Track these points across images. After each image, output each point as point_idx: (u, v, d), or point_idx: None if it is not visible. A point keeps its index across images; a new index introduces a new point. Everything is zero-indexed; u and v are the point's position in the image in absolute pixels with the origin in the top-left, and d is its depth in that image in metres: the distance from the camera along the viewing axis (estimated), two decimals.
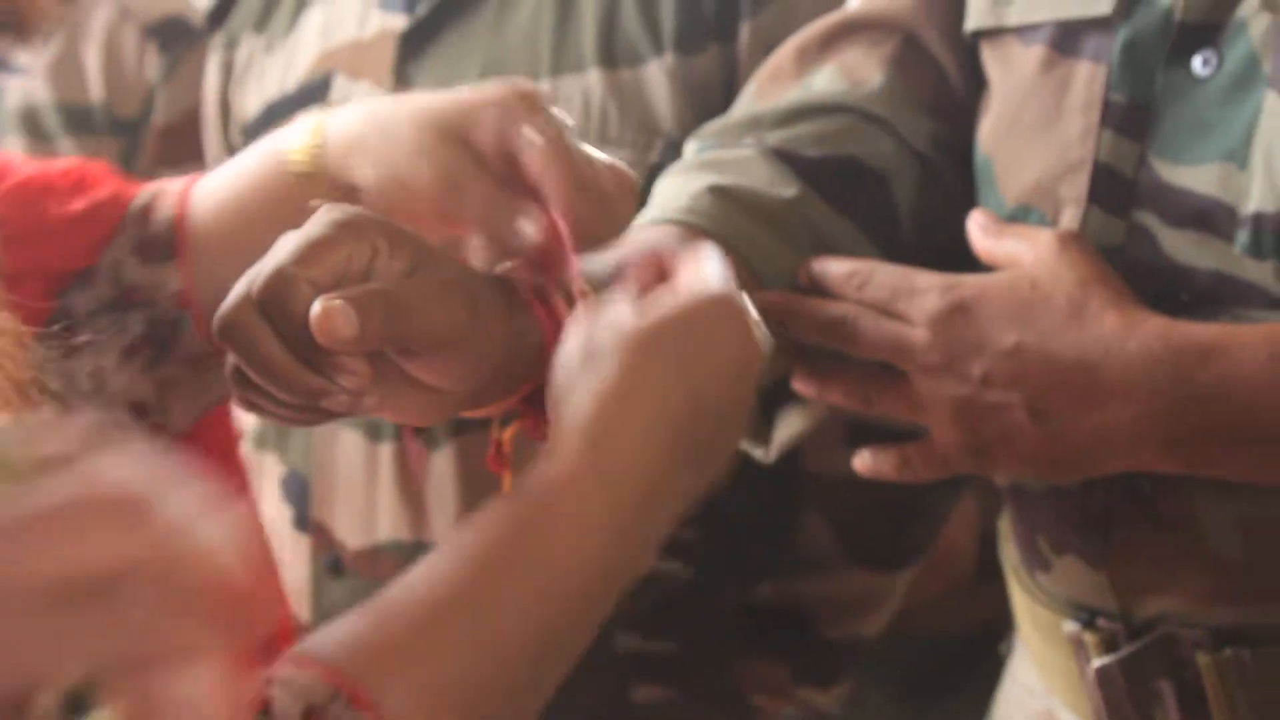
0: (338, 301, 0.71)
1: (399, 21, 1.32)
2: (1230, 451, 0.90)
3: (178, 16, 1.75)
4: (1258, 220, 0.88)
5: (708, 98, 1.27)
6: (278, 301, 0.72)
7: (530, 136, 0.78)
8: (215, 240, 0.88)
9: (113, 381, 0.91)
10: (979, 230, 1.00)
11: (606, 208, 0.81)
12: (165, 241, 0.90)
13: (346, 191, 0.83)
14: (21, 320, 0.78)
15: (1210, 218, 0.92)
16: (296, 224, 0.77)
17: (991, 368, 0.93)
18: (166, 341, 0.87)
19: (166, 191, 0.92)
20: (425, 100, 0.84)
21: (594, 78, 1.28)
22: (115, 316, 0.91)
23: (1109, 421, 0.91)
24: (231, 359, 0.75)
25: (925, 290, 0.95)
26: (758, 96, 1.10)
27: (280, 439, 1.33)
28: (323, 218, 0.75)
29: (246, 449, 1.31)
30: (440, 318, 0.75)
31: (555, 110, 0.82)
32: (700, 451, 0.71)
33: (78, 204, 0.92)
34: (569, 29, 1.29)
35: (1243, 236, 0.89)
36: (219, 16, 1.45)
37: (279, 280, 0.72)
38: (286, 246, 0.74)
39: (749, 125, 1.06)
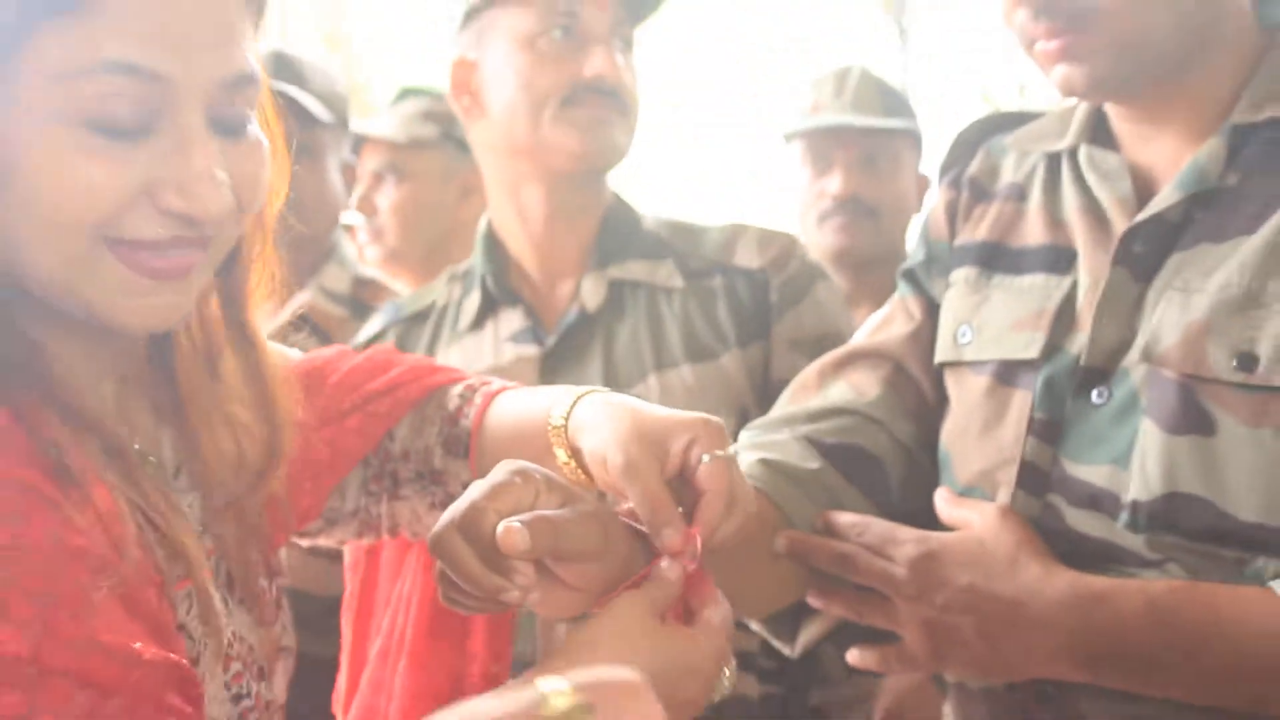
0: (516, 524, 0.79)
1: (532, 350, 1.52)
2: (1116, 668, 0.96)
3: None
4: (1134, 506, 0.97)
5: (754, 378, 1.49)
6: (473, 525, 0.80)
7: (705, 462, 0.84)
8: (492, 451, 0.97)
9: (423, 523, 1.03)
10: (942, 502, 1.09)
11: (735, 516, 0.86)
12: (463, 444, 1.00)
13: (574, 449, 0.91)
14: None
15: (1102, 502, 1.00)
16: (539, 458, 0.87)
17: (951, 599, 1.00)
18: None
19: (471, 401, 1.02)
20: (647, 410, 0.89)
21: (687, 371, 1.48)
22: (425, 485, 1.03)
23: (1033, 643, 0.97)
24: (439, 565, 0.83)
25: (905, 541, 1.03)
26: (790, 401, 1.20)
27: None
28: (503, 468, 0.83)
29: None
30: (583, 537, 0.82)
31: (729, 442, 0.87)
32: (669, 694, 0.74)
33: (380, 382, 1.03)
34: (662, 338, 1.49)
35: (1124, 516, 0.97)
36: None
37: (474, 511, 0.81)
38: (479, 488, 0.82)
39: (786, 421, 1.16)
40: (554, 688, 0.52)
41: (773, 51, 9.58)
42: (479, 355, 1.56)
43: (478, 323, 1.58)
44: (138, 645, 0.70)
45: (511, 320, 1.56)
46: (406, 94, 2.37)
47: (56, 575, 0.68)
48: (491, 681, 1.02)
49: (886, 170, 2.14)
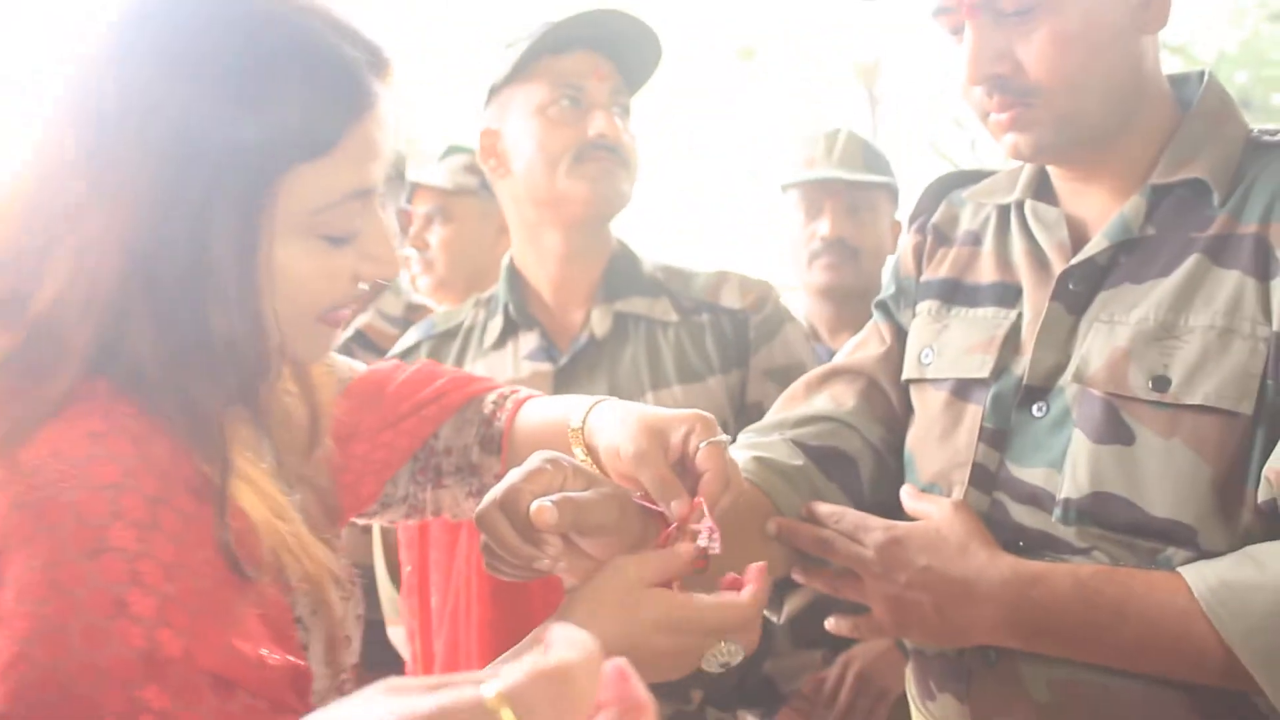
0: (547, 502, 0.85)
1: (546, 367, 1.63)
2: (1049, 637, 1.01)
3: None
4: (1066, 503, 1.03)
5: (734, 399, 1.61)
6: (511, 504, 0.87)
7: (703, 448, 0.91)
8: (521, 449, 1.03)
9: (462, 507, 1.11)
10: (906, 496, 1.15)
11: (730, 490, 0.93)
12: (497, 442, 1.07)
13: (590, 447, 0.98)
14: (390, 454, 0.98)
15: (1039, 498, 1.05)
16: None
17: (912, 578, 1.06)
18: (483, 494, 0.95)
19: (503, 407, 1.09)
20: (649, 410, 0.95)
21: (678, 390, 1.59)
22: (464, 476, 1.10)
23: (979, 616, 1.03)
24: (483, 538, 0.91)
25: (874, 528, 1.09)
26: (780, 410, 1.26)
27: None
28: (538, 457, 0.91)
29: None
30: (602, 514, 0.88)
31: (720, 431, 0.94)
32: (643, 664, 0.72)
33: (427, 391, 1.10)
34: (658, 363, 1.61)
35: (1058, 511, 1.03)
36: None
37: (512, 492, 0.88)
38: (517, 472, 0.89)
39: (776, 426, 1.22)
40: (487, 692, 0.50)
41: (761, 114, 9.72)
42: (501, 370, 1.67)
43: (500, 342, 1.70)
44: (265, 651, 0.74)
45: (529, 341, 1.68)
46: (452, 150, 2.56)
47: (207, 591, 0.74)
48: None
49: (867, 217, 2.25)
